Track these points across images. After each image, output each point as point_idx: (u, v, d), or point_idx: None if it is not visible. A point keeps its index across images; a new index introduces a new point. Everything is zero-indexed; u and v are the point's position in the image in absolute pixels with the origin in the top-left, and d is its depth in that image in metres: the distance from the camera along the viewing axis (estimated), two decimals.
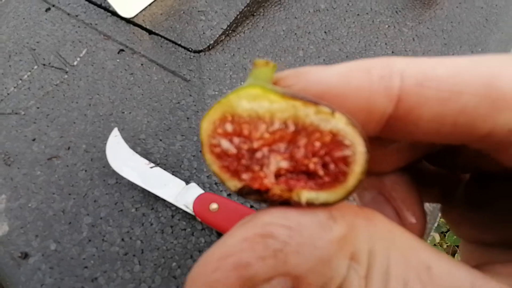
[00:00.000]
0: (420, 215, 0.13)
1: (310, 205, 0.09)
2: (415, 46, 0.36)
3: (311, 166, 0.09)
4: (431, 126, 0.10)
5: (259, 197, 0.09)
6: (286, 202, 0.09)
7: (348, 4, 0.38)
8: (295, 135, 0.09)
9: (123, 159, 0.26)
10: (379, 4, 0.39)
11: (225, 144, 0.09)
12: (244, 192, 0.10)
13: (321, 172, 0.09)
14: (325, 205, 0.09)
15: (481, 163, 0.12)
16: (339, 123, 0.09)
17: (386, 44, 0.36)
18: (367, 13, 0.38)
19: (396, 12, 0.38)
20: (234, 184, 0.09)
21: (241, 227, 0.09)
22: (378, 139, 0.11)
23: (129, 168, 0.25)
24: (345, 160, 0.09)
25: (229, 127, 0.09)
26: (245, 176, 0.09)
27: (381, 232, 0.09)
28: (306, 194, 0.09)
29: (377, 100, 0.10)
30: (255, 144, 0.09)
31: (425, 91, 0.09)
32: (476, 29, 0.39)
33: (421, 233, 0.13)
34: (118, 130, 0.30)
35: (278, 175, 0.09)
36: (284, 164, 0.09)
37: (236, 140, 0.09)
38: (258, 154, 0.09)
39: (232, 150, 0.09)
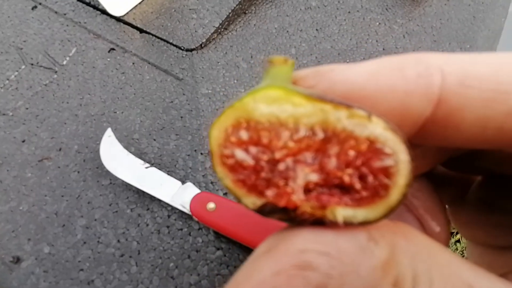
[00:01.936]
0: (445, 223, 0.12)
1: (348, 224, 0.08)
2: (406, 43, 0.37)
3: (346, 178, 0.08)
4: (473, 131, 0.09)
5: (284, 216, 0.08)
6: (318, 222, 0.08)
7: (339, 2, 0.38)
8: (324, 143, 0.08)
9: (118, 159, 0.25)
10: (370, 2, 0.39)
11: (240, 154, 0.08)
12: (266, 211, 0.08)
13: (358, 185, 0.08)
14: (364, 223, 0.08)
15: (507, 167, 0.11)
16: (377, 128, 0.08)
17: (377, 41, 0.36)
18: (358, 11, 0.38)
19: (387, 9, 0.38)
20: (252, 201, 0.08)
21: (270, 256, 0.08)
22: None
23: (124, 169, 0.25)
24: (386, 171, 0.08)
25: (244, 135, 0.08)
26: (269, 192, 0.08)
27: (421, 251, 0.08)
28: (342, 212, 0.08)
29: (413, 101, 0.08)
30: (277, 155, 0.08)
31: (468, 91, 0.08)
32: (464, 26, 0.39)
33: (447, 242, 0.12)
34: (112, 130, 0.29)
35: (307, 190, 0.08)
36: (314, 177, 0.08)
37: (253, 149, 0.08)
38: (281, 166, 0.08)
39: (249, 161, 0.08)
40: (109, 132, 0.26)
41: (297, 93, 0.08)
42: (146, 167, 0.25)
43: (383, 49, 0.35)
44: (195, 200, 0.23)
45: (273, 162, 0.08)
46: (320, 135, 0.08)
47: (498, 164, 0.12)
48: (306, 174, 0.08)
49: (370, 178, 0.08)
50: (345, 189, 0.08)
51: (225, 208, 0.23)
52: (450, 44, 0.37)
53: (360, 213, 0.08)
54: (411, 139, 0.09)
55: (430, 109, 0.08)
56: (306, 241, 0.08)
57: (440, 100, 0.08)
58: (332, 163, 0.08)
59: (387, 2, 0.39)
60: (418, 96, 0.08)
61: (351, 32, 0.36)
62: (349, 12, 0.38)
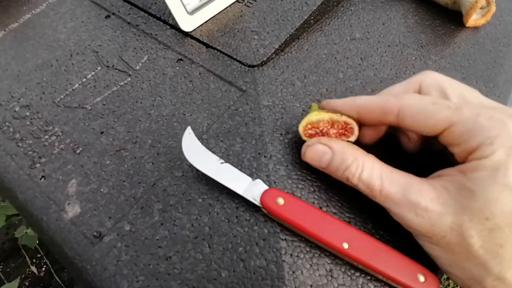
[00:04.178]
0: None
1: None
2: None
3: (341, 132, 0.28)
4: (413, 126, 0.25)
5: None
6: None
7: (380, 36, 0.43)
8: (333, 123, 0.28)
9: (197, 154, 0.29)
10: (406, 38, 0.44)
11: (310, 131, 0.29)
12: None
13: (346, 133, 0.28)
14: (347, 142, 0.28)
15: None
16: (346, 118, 0.28)
17: (414, 73, 0.40)
18: (396, 45, 0.43)
19: (421, 46, 0.43)
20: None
21: (311, 141, 0.28)
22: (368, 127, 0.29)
23: (203, 162, 0.28)
24: (352, 130, 0.28)
25: (309, 125, 0.29)
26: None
27: (361, 153, 0.26)
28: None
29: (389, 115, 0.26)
30: (321, 128, 0.28)
31: (405, 112, 0.25)
32: (488, 68, 0.44)
33: None
34: (181, 129, 0.33)
35: (333, 136, 0.28)
36: (333, 133, 0.28)
37: (313, 129, 0.29)
38: (323, 130, 0.28)
39: (313, 133, 0.29)
40: (189, 130, 0.30)
41: (323, 112, 0.28)
42: (221, 163, 0.29)
43: None
44: (265, 194, 0.27)
45: (321, 130, 0.28)
46: (331, 121, 0.28)
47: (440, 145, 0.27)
48: (332, 133, 0.28)
49: (347, 132, 0.28)
50: (342, 135, 0.28)
51: (292, 204, 0.27)
52: (477, 82, 0.42)
53: (344, 139, 0.28)
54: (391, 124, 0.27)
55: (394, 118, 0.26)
56: (324, 139, 0.28)
57: (398, 115, 0.25)
58: (336, 129, 0.28)
59: (421, 40, 0.44)
60: (391, 114, 0.26)
61: (391, 64, 0.41)
62: (388, 45, 0.43)
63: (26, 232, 1.12)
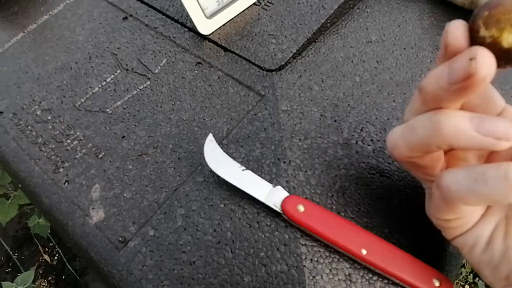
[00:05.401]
0: None
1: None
2: None
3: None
4: None
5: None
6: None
7: (395, 38, 0.43)
8: None
9: (219, 161, 0.30)
10: (422, 41, 0.44)
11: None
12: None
13: None
14: None
15: None
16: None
17: None
18: (412, 48, 0.43)
19: (437, 49, 0.43)
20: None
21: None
22: None
23: (224, 169, 0.29)
24: None
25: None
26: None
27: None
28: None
29: None
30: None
31: None
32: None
33: None
34: (202, 134, 0.34)
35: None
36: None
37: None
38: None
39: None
40: (210, 137, 0.31)
41: None
42: (243, 170, 0.29)
43: None
44: (286, 201, 0.28)
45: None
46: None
47: None
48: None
49: None
50: None
51: (313, 211, 0.27)
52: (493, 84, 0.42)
53: None
54: None
55: None
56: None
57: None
58: None
59: (436, 43, 0.44)
60: None
61: (406, 67, 0.41)
62: (404, 48, 0.43)
63: (38, 222, 1.14)
